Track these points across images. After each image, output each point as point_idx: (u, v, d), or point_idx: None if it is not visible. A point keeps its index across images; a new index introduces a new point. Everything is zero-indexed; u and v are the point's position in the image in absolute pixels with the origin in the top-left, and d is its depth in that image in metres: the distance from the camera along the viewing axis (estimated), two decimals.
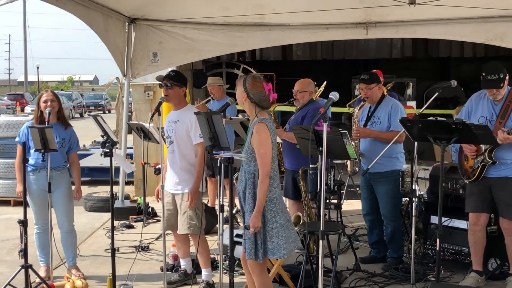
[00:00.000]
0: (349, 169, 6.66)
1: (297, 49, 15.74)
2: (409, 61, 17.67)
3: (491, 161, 5.21)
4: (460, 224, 5.98)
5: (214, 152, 4.36)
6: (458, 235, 6.01)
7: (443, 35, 8.46)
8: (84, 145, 13.91)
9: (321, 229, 4.34)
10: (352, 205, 9.06)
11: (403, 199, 6.68)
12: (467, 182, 5.52)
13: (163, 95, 5.46)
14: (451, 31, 8.17)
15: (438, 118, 4.96)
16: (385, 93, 6.45)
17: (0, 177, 9.71)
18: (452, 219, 6.05)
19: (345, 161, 7.08)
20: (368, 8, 7.49)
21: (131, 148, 10.65)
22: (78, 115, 41.16)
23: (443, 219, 5.49)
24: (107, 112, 42.81)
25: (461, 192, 6.05)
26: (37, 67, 58.42)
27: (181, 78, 5.55)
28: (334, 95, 4.46)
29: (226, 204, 5.19)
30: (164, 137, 5.68)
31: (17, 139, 5.87)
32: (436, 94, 5.70)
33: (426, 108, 6.32)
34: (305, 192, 6.16)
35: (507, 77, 5.23)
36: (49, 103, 5.72)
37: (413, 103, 15.33)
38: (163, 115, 5.57)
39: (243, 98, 4.46)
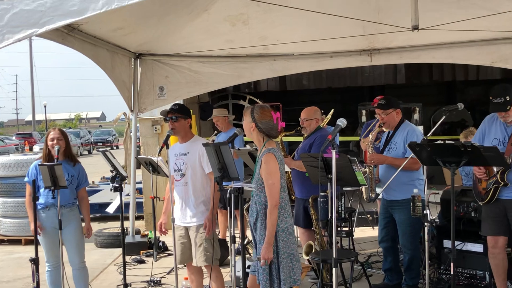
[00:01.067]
0: (364, 196, 6.61)
1: (302, 79, 15.80)
2: (414, 87, 17.70)
3: (503, 183, 5.18)
4: (474, 247, 5.94)
5: (223, 183, 4.36)
6: (472, 258, 5.96)
7: (447, 59, 8.48)
8: (93, 182, 13.96)
9: (334, 256, 4.31)
10: (363, 232, 9.03)
11: None
12: (481, 204, 5.48)
13: (170, 129, 5.49)
14: (455, 55, 8.19)
15: (447, 141, 4.95)
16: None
17: (11, 216, 9.73)
18: (465, 242, 6.00)
19: (360, 188, 7.02)
20: (371, 35, 7.53)
21: (140, 183, 10.66)
22: (86, 152, 41.34)
23: (456, 243, 5.45)
24: (115, 148, 43.06)
25: (473, 215, 6.01)
26: (45, 106, 58.90)
27: (185, 110, 5.59)
28: (342, 122, 4.47)
29: (237, 235, 5.17)
30: None
31: (26, 179, 5.86)
32: (443, 117, 5.68)
33: (434, 134, 6.28)
34: (316, 220, 6.12)
35: None
36: (55, 141, 5.74)
37: (420, 128, 15.31)
38: None
39: (251, 128, 4.47)
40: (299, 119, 6.64)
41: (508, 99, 5.14)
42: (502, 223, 5.34)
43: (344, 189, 6.71)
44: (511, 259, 5.56)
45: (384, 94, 7.47)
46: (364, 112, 14.28)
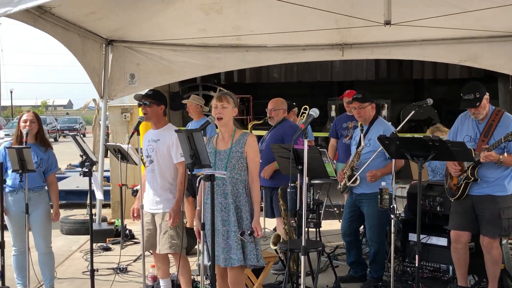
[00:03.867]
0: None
1: (273, 72, 15.82)
2: (384, 83, 17.84)
3: (473, 178, 5.28)
4: (438, 241, 6.04)
5: (195, 170, 4.35)
6: (436, 252, 6.06)
7: (417, 56, 8.59)
8: (60, 169, 13.79)
9: (303, 245, 4.34)
10: (330, 225, 9.10)
11: None
12: (452, 200, 5.56)
13: (141, 114, 5.45)
14: (425, 52, 8.30)
15: (415, 135, 5.03)
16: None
17: None
18: (430, 236, 6.11)
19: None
20: (343, 29, 7.58)
21: (108, 171, 10.58)
22: (52, 139, 40.68)
23: (421, 236, 5.54)
24: (82, 136, 42.38)
25: (438, 209, 6.11)
26: (11, 92, 57.96)
27: (160, 96, 5.54)
28: (314, 111, 4.50)
29: None
30: (143, 157, 5.64)
31: None
32: (413, 112, 5.76)
33: (401, 131, 6.31)
34: (284, 211, 6.16)
35: (485, 96, 5.30)
36: (28, 123, 5.68)
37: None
38: (141, 135, 5.56)
39: (234, 114, 4.71)
40: (266, 109, 6.71)
41: (477, 95, 5.26)
42: (469, 219, 5.42)
43: (312, 181, 6.77)
44: (474, 253, 5.67)
45: (353, 90, 7.55)
46: (333, 107, 14.38)
